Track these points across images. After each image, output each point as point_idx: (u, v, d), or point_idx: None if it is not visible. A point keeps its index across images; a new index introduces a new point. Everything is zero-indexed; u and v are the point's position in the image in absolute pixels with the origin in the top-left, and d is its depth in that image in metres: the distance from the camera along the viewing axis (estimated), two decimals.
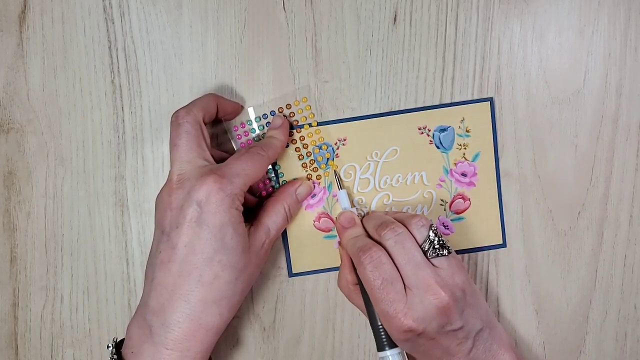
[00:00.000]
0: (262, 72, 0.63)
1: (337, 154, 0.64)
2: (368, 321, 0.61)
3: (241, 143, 0.64)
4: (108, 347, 0.57)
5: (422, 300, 0.54)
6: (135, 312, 0.56)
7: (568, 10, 0.63)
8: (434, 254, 0.56)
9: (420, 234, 0.57)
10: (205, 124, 0.58)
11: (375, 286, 0.55)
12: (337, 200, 0.64)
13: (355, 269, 0.59)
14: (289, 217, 0.61)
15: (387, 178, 0.64)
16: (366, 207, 0.64)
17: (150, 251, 0.56)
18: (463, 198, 0.65)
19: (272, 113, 0.63)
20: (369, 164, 0.64)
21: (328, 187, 0.64)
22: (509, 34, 0.64)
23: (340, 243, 0.62)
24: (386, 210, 0.64)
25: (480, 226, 0.65)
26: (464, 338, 0.56)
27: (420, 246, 0.56)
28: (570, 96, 0.64)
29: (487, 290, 0.66)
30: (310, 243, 0.64)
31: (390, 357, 0.58)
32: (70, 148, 0.64)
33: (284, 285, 0.65)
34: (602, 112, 0.64)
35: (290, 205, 0.62)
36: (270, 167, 0.63)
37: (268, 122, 0.64)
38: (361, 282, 0.58)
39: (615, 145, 0.65)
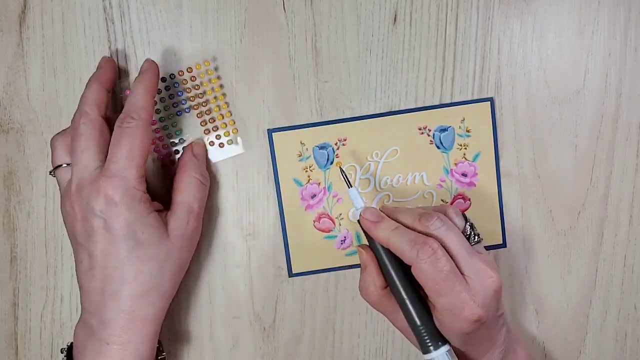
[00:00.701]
0: (262, 72, 0.63)
1: (337, 154, 0.64)
2: (395, 326, 0.60)
3: None
4: (62, 351, 0.60)
5: (482, 286, 0.54)
6: (79, 316, 0.58)
7: (568, 10, 0.64)
8: (475, 240, 0.56)
9: (460, 222, 0.57)
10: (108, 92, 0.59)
11: (440, 279, 0.53)
12: (345, 198, 0.63)
13: (382, 271, 0.57)
14: (204, 182, 0.60)
15: (388, 178, 0.64)
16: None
17: (74, 259, 0.58)
18: (463, 198, 0.65)
19: (172, 76, 0.63)
20: (369, 164, 0.64)
21: (328, 187, 0.64)
22: (509, 34, 0.64)
23: (359, 245, 0.60)
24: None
25: (480, 226, 0.64)
26: (502, 324, 0.57)
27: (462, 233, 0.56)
28: (570, 96, 0.64)
29: None
30: (310, 243, 0.64)
31: (439, 358, 0.56)
32: None
33: (284, 285, 0.65)
34: (602, 112, 0.64)
35: (197, 170, 0.60)
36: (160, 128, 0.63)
37: (167, 85, 0.63)
38: (393, 283, 0.57)
39: (615, 145, 0.65)
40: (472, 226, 0.57)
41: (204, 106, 0.63)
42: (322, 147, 0.64)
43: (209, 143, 0.64)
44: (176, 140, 0.64)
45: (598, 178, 0.65)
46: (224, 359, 0.65)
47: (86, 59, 0.63)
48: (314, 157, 0.64)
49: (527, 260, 0.65)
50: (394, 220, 0.57)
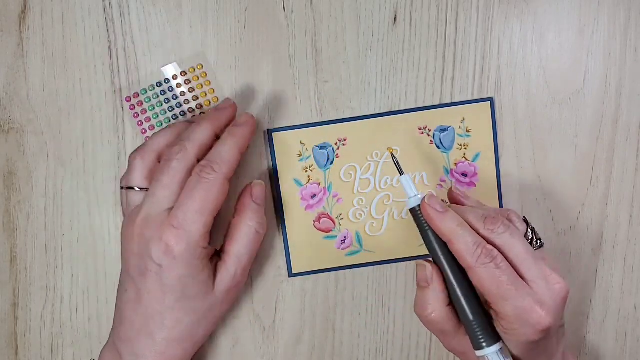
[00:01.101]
0: (262, 72, 0.64)
1: (337, 154, 0.64)
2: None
3: (138, 122, 0.64)
4: None
5: (549, 291, 0.52)
6: (109, 336, 0.58)
7: (568, 10, 0.64)
8: (537, 245, 0.55)
9: (522, 225, 0.56)
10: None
11: (502, 283, 0.51)
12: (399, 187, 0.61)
13: (447, 286, 0.55)
14: (261, 231, 0.58)
15: (388, 178, 0.64)
16: (366, 208, 0.64)
17: (120, 281, 0.58)
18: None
19: (166, 80, 0.63)
20: (370, 164, 0.64)
21: (328, 187, 0.64)
22: (509, 34, 0.64)
23: (420, 261, 0.56)
24: (390, 212, 0.64)
25: None
26: (562, 335, 0.56)
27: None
28: (570, 96, 0.64)
29: None
30: (311, 243, 0.64)
31: (490, 357, 0.53)
32: (70, 148, 0.64)
33: (284, 285, 0.65)
34: (602, 112, 0.64)
35: (255, 218, 0.58)
36: None
37: (163, 90, 0.63)
38: (456, 297, 0.54)
39: (615, 145, 0.65)
40: (533, 230, 0.56)
41: (198, 109, 0.64)
42: (322, 147, 0.64)
43: None
44: None
45: (598, 178, 0.65)
46: (224, 359, 0.65)
47: (86, 59, 0.63)
48: (314, 157, 0.64)
49: None
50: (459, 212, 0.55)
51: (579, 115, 0.64)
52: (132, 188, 0.57)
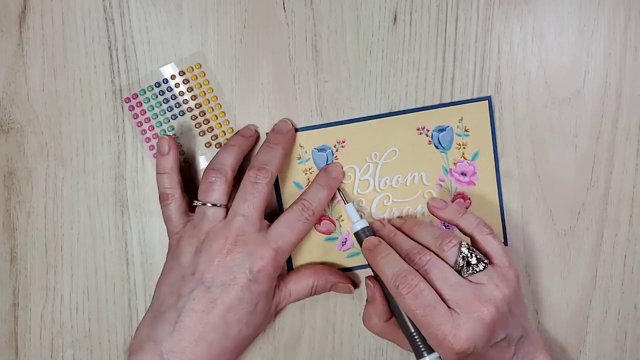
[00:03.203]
0: (262, 72, 0.63)
1: (336, 156, 0.64)
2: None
3: (138, 122, 0.64)
4: None
5: (468, 319, 0.54)
6: (144, 346, 0.56)
7: (568, 10, 0.63)
8: (468, 272, 0.56)
9: (452, 255, 0.57)
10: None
11: (418, 314, 0.54)
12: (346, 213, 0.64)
13: (387, 301, 0.60)
14: (312, 295, 0.63)
15: (387, 179, 0.64)
16: (366, 209, 0.64)
17: (167, 289, 0.58)
18: (463, 197, 0.65)
19: (165, 81, 0.63)
20: (369, 165, 0.64)
21: None
22: (509, 34, 0.64)
23: (367, 277, 0.62)
24: (390, 212, 0.64)
25: None
26: (506, 347, 0.56)
27: (453, 267, 0.56)
28: (570, 96, 0.64)
29: None
30: (311, 246, 0.65)
31: None
32: (70, 148, 0.64)
33: None
34: (602, 112, 0.64)
35: (320, 288, 0.63)
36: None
37: (162, 90, 0.63)
38: (395, 306, 0.59)
39: (615, 145, 0.64)
40: (468, 256, 0.56)
41: (197, 108, 0.64)
42: (321, 150, 0.63)
43: (205, 145, 0.64)
44: None
45: (598, 178, 0.65)
46: None
47: (86, 59, 0.63)
48: (313, 160, 0.64)
49: (527, 260, 0.65)
50: (390, 243, 0.60)
51: (579, 115, 0.64)
52: (205, 204, 0.59)
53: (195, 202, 0.59)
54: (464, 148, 0.64)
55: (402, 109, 0.64)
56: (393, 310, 0.59)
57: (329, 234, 0.64)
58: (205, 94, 0.64)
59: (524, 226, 0.65)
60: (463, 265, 0.56)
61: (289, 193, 0.64)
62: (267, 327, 0.64)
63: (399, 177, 0.64)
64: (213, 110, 0.64)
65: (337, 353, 0.66)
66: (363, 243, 0.60)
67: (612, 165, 0.65)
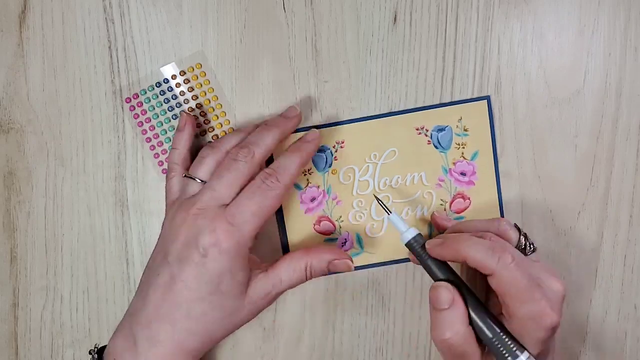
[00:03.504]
0: (262, 72, 0.64)
1: (335, 157, 0.64)
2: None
3: (139, 122, 0.64)
4: (90, 352, 0.59)
5: (553, 292, 0.53)
6: (122, 321, 0.57)
7: (568, 10, 0.63)
8: (530, 250, 0.56)
9: (514, 235, 0.57)
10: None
11: (523, 285, 0.52)
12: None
13: (467, 305, 0.55)
14: (308, 278, 0.60)
15: (387, 179, 0.64)
16: (366, 209, 0.64)
17: (149, 263, 0.58)
18: (463, 197, 0.65)
19: (165, 80, 0.63)
20: (368, 165, 0.64)
21: (327, 190, 0.64)
22: (509, 34, 0.64)
23: (434, 284, 0.56)
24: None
25: None
26: (555, 336, 0.56)
27: (516, 247, 0.56)
28: (570, 96, 0.64)
29: (487, 290, 0.65)
30: (311, 246, 0.64)
31: None
32: (70, 148, 0.64)
33: None
34: (602, 112, 0.64)
35: (315, 268, 0.59)
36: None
37: (162, 90, 0.64)
38: (478, 315, 0.54)
39: (615, 145, 0.64)
40: (525, 236, 0.57)
41: (198, 108, 0.64)
42: (320, 150, 0.63)
43: (208, 143, 0.64)
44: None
45: (598, 178, 0.65)
46: (224, 359, 0.65)
47: (86, 59, 0.63)
48: (312, 160, 0.64)
49: None
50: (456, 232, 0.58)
51: (579, 115, 0.64)
52: (192, 178, 0.58)
53: (185, 174, 0.60)
54: (464, 148, 0.64)
55: (402, 109, 0.64)
56: (476, 316, 0.55)
57: (329, 235, 0.64)
58: (205, 93, 0.64)
59: (524, 226, 0.65)
60: (525, 246, 0.56)
61: (288, 194, 0.64)
62: (254, 315, 0.60)
63: (398, 177, 0.64)
64: (214, 110, 0.64)
65: (337, 353, 0.66)
66: (427, 244, 0.56)
67: (612, 165, 0.65)
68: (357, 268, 0.65)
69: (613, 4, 0.63)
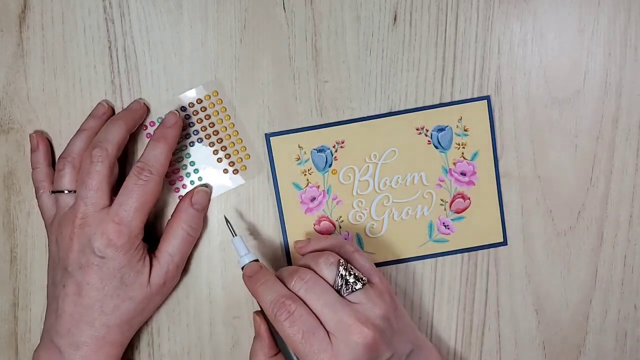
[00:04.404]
0: (262, 72, 0.63)
1: (335, 157, 0.64)
2: None
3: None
4: None
5: (348, 343, 0.52)
6: (41, 340, 0.60)
7: (568, 10, 0.63)
8: (348, 291, 0.55)
9: (330, 273, 0.55)
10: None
11: (296, 341, 0.53)
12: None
13: (273, 337, 0.57)
14: (192, 234, 0.62)
15: (387, 179, 0.64)
16: (366, 209, 0.64)
17: (50, 281, 0.61)
18: (463, 197, 0.65)
19: (183, 109, 0.64)
20: (368, 165, 0.64)
21: (327, 190, 0.64)
22: (509, 34, 0.64)
23: (255, 312, 0.59)
24: (390, 212, 0.64)
25: (480, 224, 0.65)
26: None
27: (332, 286, 0.55)
28: (570, 96, 0.64)
29: (487, 290, 0.66)
30: None
31: None
32: None
33: None
34: (602, 112, 0.64)
35: (189, 221, 0.62)
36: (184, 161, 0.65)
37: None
38: (280, 340, 0.57)
39: (615, 145, 0.64)
40: (345, 275, 0.55)
41: (215, 135, 0.64)
42: (320, 150, 0.64)
43: (223, 171, 0.64)
44: (191, 171, 0.64)
45: (598, 178, 0.65)
46: (224, 359, 0.65)
47: (86, 59, 0.63)
48: (313, 161, 0.64)
49: (527, 260, 0.65)
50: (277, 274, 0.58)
51: (579, 115, 0.64)
52: (61, 191, 0.60)
53: (52, 192, 0.61)
54: (464, 148, 0.64)
55: (402, 109, 0.64)
56: (279, 345, 0.57)
57: (329, 235, 0.64)
58: (222, 120, 0.64)
59: (524, 226, 0.65)
60: (342, 285, 0.55)
61: (288, 195, 0.64)
62: (166, 295, 0.63)
63: (398, 177, 0.64)
64: (230, 137, 0.64)
65: None
66: (244, 270, 0.58)
67: (612, 165, 0.65)
68: None
69: (613, 4, 0.63)
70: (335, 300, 0.54)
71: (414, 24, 0.63)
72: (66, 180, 0.60)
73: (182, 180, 0.64)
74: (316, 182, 0.64)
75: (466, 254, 0.65)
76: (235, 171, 0.64)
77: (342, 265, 0.55)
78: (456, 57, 0.64)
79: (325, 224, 0.64)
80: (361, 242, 0.65)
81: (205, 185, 0.64)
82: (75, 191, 0.59)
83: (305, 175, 0.64)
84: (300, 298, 0.54)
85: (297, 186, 0.64)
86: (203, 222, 0.63)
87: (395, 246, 0.65)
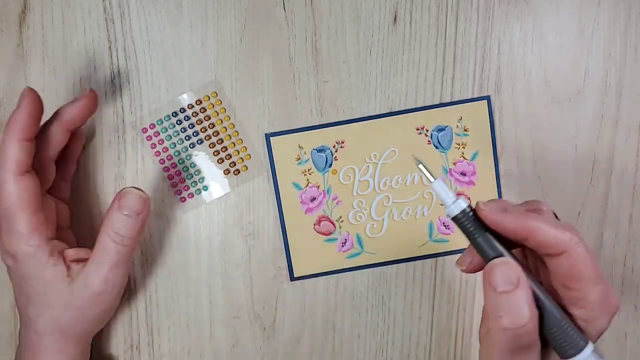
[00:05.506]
0: (262, 72, 0.64)
1: (335, 157, 0.64)
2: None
3: (156, 152, 0.64)
4: None
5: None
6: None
7: (568, 10, 0.63)
8: None
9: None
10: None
11: (596, 263, 0.44)
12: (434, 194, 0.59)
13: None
14: (121, 243, 0.55)
15: (387, 179, 0.64)
16: (366, 209, 0.64)
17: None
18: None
19: (182, 110, 0.64)
20: (368, 165, 0.64)
21: (327, 190, 0.64)
22: (509, 34, 0.64)
23: (504, 259, 0.46)
24: (390, 212, 0.64)
25: None
26: None
27: None
28: (570, 96, 0.64)
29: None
30: (311, 247, 0.64)
31: (591, 356, 0.45)
32: None
33: (284, 286, 0.65)
34: (602, 112, 0.64)
35: (116, 228, 0.55)
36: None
37: (179, 119, 0.64)
38: (543, 299, 0.45)
39: (615, 145, 0.64)
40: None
41: (215, 136, 0.64)
42: (320, 150, 0.64)
43: (224, 172, 0.64)
44: (192, 173, 0.64)
45: (598, 178, 0.65)
46: (224, 359, 0.65)
47: (86, 59, 0.63)
48: (313, 161, 0.64)
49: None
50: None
51: (579, 115, 0.64)
52: None
53: None
54: (464, 148, 0.64)
55: (402, 109, 0.64)
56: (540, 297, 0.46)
57: (329, 235, 0.64)
58: (222, 121, 0.64)
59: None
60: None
61: (288, 195, 0.64)
62: (113, 299, 0.58)
63: (398, 177, 0.64)
64: (230, 137, 0.64)
65: (337, 353, 0.66)
66: (484, 208, 0.47)
67: (612, 165, 0.65)
68: (357, 268, 0.65)
69: (613, 4, 0.63)
70: None
71: (414, 24, 0.63)
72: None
73: (183, 182, 0.64)
74: (316, 182, 0.64)
75: None
76: (237, 172, 0.64)
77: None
78: (456, 57, 0.64)
79: (325, 224, 0.64)
80: (361, 242, 0.65)
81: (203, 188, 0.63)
82: None
83: (305, 175, 0.64)
84: None
85: (297, 186, 0.64)
86: (199, 222, 0.63)
87: (395, 246, 0.65)
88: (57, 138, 0.58)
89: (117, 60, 0.63)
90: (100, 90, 0.63)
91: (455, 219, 0.48)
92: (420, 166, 0.49)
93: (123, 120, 0.64)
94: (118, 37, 0.63)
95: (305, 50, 0.63)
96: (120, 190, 0.55)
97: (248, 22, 0.63)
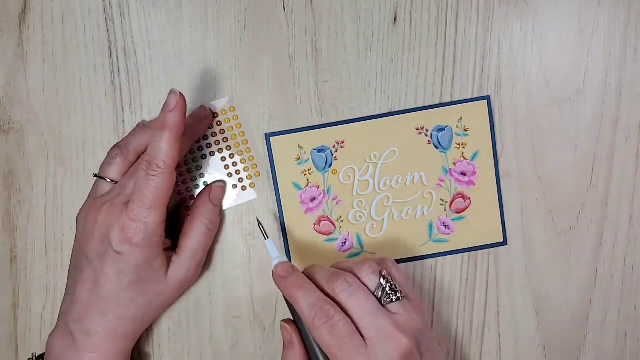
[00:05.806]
0: (262, 72, 0.64)
1: (335, 157, 0.64)
2: None
3: None
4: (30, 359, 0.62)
5: (385, 350, 0.52)
6: (57, 321, 0.59)
7: (568, 10, 0.63)
8: (388, 300, 0.54)
9: (372, 282, 0.55)
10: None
11: (334, 346, 0.52)
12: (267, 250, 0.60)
13: (304, 343, 0.56)
14: (212, 229, 0.62)
15: (387, 179, 0.64)
16: (366, 209, 0.64)
17: (72, 262, 0.60)
18: (463, 197, 0.65)
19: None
20: (368, 165, 0.64)
21: (327, 190, 0.64)
22: (509, 34, 0.64)
23: (283, 321, 0.58)
24: (390, 212, 0.64)
25: (480, 224, 0.65)
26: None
27: (373, 294, 0.54)
28: (570, 96, 0.64)
29: (487, 290, 0.66)
30: (311, 247, 0.65)
31: None
32: (70, 148, 0.64)
33: None
34: (602, 112, 0.64)
35: (208, 217, 0.61)
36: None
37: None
38: (311, 348, 0.56)
39: (615, 145, 0.64)
40: (386, 286, 0.55)
41: (227, 150, 0.64)
42: (320, 150, 0.64)
43: (232, 186, 0.64)
44: (200, 183, 0.65)
45: (598, 178, 0.65)
46: (224, 359, 0.65)
47: (86, 59, 0.63)
48: (313, 161, 0.64)
49: (527, 260, 0.65)
50: (308, 276, 0.57)
51: (579, 115, 0.64)
52: (104, 178, 0.59)
53: (95, 175, 0.60)
54: (464, 148, 0.64)
55: (402, 109, 0.64)
56: (310, 354, 0.56)
57: (329, 235, 0.64)
58: (236, 136, 0.64)
59: (524, 226, 0.65)
60: (382, 294, 0.54)
61: (288, 195, 0.64)
62: (184, 290, 0.62)
63: (398, 177, 0.64)
64: (242, 153, 0.64)
65: None
66: (274, 269, 0.57)
67: (612, 165, 0.65)
68: None
69: (613, 4, 0.63)
70: (376, 307, 0.54)
71: (414, 24, 0.63)
72: (114, 170, 0.59)
73: (190, 192, 0.65)
74: (316, 182, 0.64)
75: (466, 254, 0.65)
76: (244, 188, 0.64)
77: (384, 275, 0.55)
78: (456, 57, 0.64)
79: (325, 224, 0.64)
80: (361, 242, 0.65)
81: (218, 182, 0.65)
82: (112, 182, 0.59)
83: (305, 175, 0.64)
84: (337, 302, 0.54)
85: (297, 186, 0.64)
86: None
87: (395, 246, 0.65)
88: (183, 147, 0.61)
89: (117, 60, 0.63)
90: (100, 90, 0.63)
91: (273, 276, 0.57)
92: (259, 225, 0.62)
93: (123, 121, 0.64)
94: (118, 37, 0.63)
95: (305, 50, 0.63)
96: (210, 184, 0.63)
97: (248, 22, 0.63)
